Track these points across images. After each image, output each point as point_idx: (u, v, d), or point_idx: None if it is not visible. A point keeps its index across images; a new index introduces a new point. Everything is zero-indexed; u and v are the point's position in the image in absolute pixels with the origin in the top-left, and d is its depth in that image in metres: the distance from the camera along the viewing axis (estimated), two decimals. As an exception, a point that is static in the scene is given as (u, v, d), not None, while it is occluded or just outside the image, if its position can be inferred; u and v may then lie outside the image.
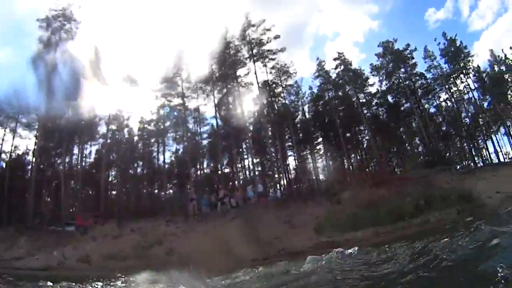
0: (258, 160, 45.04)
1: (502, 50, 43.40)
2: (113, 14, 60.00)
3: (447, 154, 42.30)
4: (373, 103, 45.35)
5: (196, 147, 43.62)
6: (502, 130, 41.78)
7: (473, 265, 7.69)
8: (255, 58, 41.07)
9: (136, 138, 45.77)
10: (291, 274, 12.22)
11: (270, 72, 42.35)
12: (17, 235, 25.75)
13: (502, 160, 39.81)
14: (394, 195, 23.74)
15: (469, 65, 42.48)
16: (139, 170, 44.83)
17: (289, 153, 45.32)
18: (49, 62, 36.12)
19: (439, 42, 43.43)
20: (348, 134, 44.58)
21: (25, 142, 40.41)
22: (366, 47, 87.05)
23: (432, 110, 45.42)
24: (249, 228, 23.38)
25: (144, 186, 44.54)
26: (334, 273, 10.39)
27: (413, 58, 43.47)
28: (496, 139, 42.18)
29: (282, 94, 44.14)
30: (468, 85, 42.55)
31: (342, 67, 44.02)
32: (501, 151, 41.60)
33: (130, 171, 44.19)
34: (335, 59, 44.51)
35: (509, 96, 41.63)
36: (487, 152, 42.93)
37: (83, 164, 42.25)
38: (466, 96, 43.31)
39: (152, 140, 44.64)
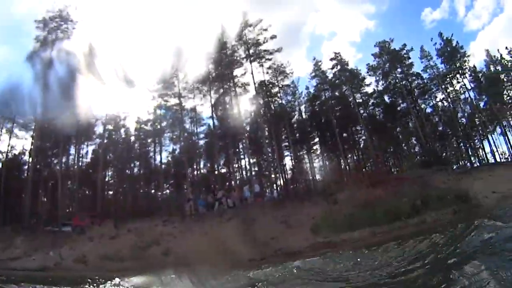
0: (254, 160, 45.01)
1: (498, 50, 43.55)
2: (110, 13, 59.81)
3: (444, 154, 42.40)
4: (370, 103, 45.41)
5: (193, 147, 43.59)
6: (498, 130, 41.91)
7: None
8: (251, 58, 41.06)
9: (132, 138, 45.74)
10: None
11: (267, 72, 42.37)
12: (13, 235, 25.70)
13: (498, 160, 39.95)
14: (390, 195, 23.78)
15: (465, 65, 42.58)
16: (135, 170, 44.80)
17: (286, 153, 45.39)
18: (45, 62, 36.15)
19: (436, 42, 43.57)
20: (344, 134, 44.68)
21: (22, 142, 40.36)
22: (363, 46, 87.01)
23: (429, 110, 45.47)
24: (245, 228, 23.40)
25: (140, 186, 44.54)
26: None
27: (409, 58, 43.58)
28: (493, 139, 42.33)
29: (278, 94, 44.16)
30: (465, 85, 42.65)
31: (339, 67, 44.10)
32: (497, 151, 41.74)
33: (127, 171, 44.16)
34: (331, 59, 44.63)
35: (505, 96, 41.78)
36: (483, 152, 43.01)
37: (80, 164, 42.21)
38: (462, 96, 43.39)
39: (149, 140, 44.62)
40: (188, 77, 42.09)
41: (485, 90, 41.59)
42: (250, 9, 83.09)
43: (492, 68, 43.33)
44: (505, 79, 41.93)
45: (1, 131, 37.87)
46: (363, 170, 41.08)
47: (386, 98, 44.87)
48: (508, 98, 41.84)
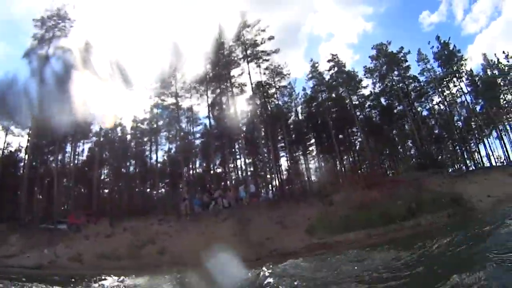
0: (250, 160, 45.14)
1: (495, 54, 43.90)
2: (108, 12, 59.85)
3: (439, 157, 42.55)
4: (366, 105, 45.67)
5: (189, 147, 43.65)
6: (494, 133, 42.18)
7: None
8: (249, 59, 41.09)
9: (129, 136, 45.84)
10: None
11: (264, 73, 42.52)
12: (8, 232, 25.61)
13: (494, 163, 40.15)
14: (386, 198, 23.80)
15: (462, 69, 42.88)
16: (131, 168, 44.86)
17: (282, 154, 45.62)
18: (43, 59, 36.12)
19: (433, 45, 43.79)
20: (340, 136, 44.87)
21: (18, 139, 40.38)
22: (360, 48, 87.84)
23: (425, 113, 45.86)
24: (241, 228, 23.40)
25: (136, 185, 44.59)
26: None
27: (406, 61, 43.86)
28: (488, 143, 42.71)
29: (275, 95, 44.28)
30: (461, 88, 42.94)
31: (336, 68, 44.29)
32: (493, 154, 42.05)
33: (123, 169, 44.17)
34: (329, 61, 44.89)
35: (502, 100, 42.02)
36: (479, 156, 43.34)
37: (76, 162, 42.24)
38: (459, 100, 43.73)
39: (145, 139, 44.71)
40: (185, 76, 42.19)
41: (482, 94, 41.84)
42: (248, 10, 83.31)
43: (489, 72, 43.58)
44: (501, 83, 42.15)
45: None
46: (359, 171, 41.18)
47: (382, 100, 45.16)
48: (504, 102, 42.10)
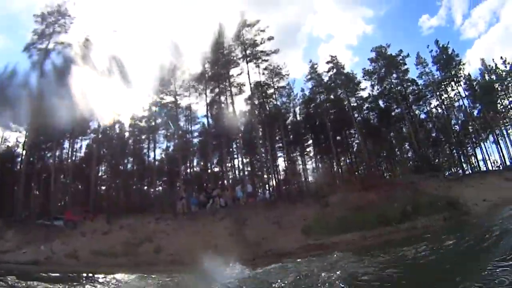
0: (248, 160, 45.23)
1: (493, 59, 44.12)
2: (108, 10, 59.75)
3: (436, 160, 42.71)
4: (364, 107, 45.86)
5: (187, 145, 43.71)
6: (491, 138, 42.36)
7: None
8: (248, 59, 41.16)
9: (127, 134, 45.85)
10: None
11: (263, 73, 42.58)
12: (5, 228, 25.60)
13: (490, 167, 40.32)
14: (382, 200, 23.87)
15: (460, 73, 43.12)
16: (129, 166, 44.91)
17: (279, 154, 45.72)
18: (42, 55, 36.15)
19: (432, 49, 43.98)
20: (338, 137, 45.03)
21: (15, 134, 40.36)
22: (360, 50, 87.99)
23: (423, 116, 46.04)
24: (237, 228, 23.46)
25: (134, 182, 44.59)
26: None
27: (405, 64, 44.04)
28: (485, 147, 42.87)
29: (274, 96, 44.37)
30: (459, 92, 43.17)
31: (335, 70, 44.39)
32: (489, 159, 42.22)
33: (120, 167, 44.20)
34: (327, 62, 44.97)
35: (499, 105, 42.21)
36: (475, 160, 43.49)
37: (74, 158, 42.20)
38: (456, 104, 43.99)
39: (143, 137, 44.70)
40: (184, 75, 42.22)
41: (479, 98, 42.05)
42: (248, 9, 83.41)
43: (486, 77, 43.77)
44: (499, 88, 42.36)
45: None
46: (356, 173, 41.27)
47: (380, 102, 45.35)
48: (501, 107, 42.30)
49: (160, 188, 46.06)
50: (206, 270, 13.41)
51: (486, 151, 42.80)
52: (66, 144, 41.30)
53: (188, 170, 45.03)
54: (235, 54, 42.06)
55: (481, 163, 42.32)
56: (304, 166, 47.09)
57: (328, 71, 44.85)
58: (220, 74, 41.40)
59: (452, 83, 43.16)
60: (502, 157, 40.65)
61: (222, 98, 41.85)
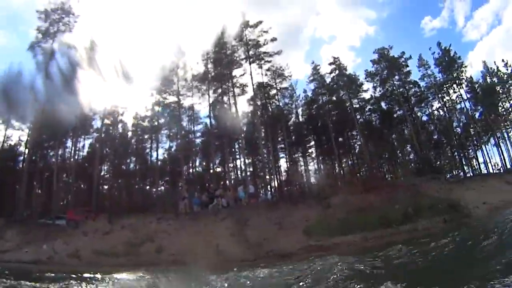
0: (250, 160, 45.22)
1: (495, 62, 44.15)
2: (111, 9, 59.81)
3: (438, 163, 42.66)
4: (367, 109, 45.81)
5: (189, 145, 43.76)
6: (492, 141, 42.31)
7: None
8: (251, 60, 41.19)
9: (130, 133, 45.88)
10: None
11: (266, 74, 42.72)
12: (6, 227, 25.63)
13: (491, 170, 40.28)
14: (384, 202, 23.91)
15: (462, 76, 43.10)
16: (131, 165, 44.90)
17: (281, 155, 45.76)
18: (46, 53, 36.15)
19: (434, 51, 43.98)
20: (340, 139, 45.01)
21: (18, 132, 40.35)
22: (362, 51, 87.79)
23: (425, 118, 46.03)
24: (239, 228, 23.53)
25: (136, 182, 44.60)
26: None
27: (407, 66, 44.02)
28: (486, 150, 42.83)
29: (276, 96, 44.49)
30: (461, 95, 43.16)
31: (337, 72, 44.43)
32: (490, 161, 42.18)
33: (123, 166, 44.25)
34: (330, 64, 45.00)
35: (500, 108, 42.20)
36: (477, 162, 43.43)
37: (76, 157, 42.22)
38: (458, 106, 43.98)
39: (146, 137, 44.71)
40: (187, 75, 42.29)
41: (481, 101, 42.04)
42: (250, 10, 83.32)
43: (488, 80, 43.78)
44: (500, 91, 42.35)
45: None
46: (358, 175, 41.31)
47: (383, 104, 45.32)
48: (502, 109, 42.30)
49: (162, 188, 46.09)
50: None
51: (487, 153, 42.85)
52: (69, 143, 41.36)
53: (191, 170, 45.08)
54: (238, 55, 42.13)
55: (482, 165, 42.31)
56: (306, 167, 47.18)
57: (331, 73, 44.99)
58: (223, 75, 41.45)
59: (454, 85, 43.14)
60: (503, 160, 40.70)
61: (225, 99, 41.94)
